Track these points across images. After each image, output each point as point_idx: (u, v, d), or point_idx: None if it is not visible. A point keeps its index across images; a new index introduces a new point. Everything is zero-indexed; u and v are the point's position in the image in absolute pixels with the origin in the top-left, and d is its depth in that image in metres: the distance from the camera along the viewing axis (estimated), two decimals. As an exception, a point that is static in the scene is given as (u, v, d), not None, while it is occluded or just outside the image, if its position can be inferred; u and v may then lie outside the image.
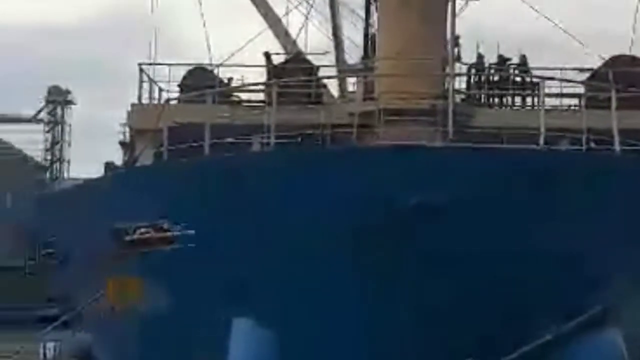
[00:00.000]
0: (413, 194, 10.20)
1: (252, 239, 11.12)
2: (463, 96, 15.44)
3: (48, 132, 66.55)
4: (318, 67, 16.42)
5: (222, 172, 11.30)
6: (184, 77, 16.27)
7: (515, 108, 15.68)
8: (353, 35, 19.06)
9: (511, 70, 16.19)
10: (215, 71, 16.46)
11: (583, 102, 14.72)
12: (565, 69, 15.01)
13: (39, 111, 67.37)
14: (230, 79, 16.65)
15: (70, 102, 66.98)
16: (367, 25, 17.07)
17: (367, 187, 10.45)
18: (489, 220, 10.43)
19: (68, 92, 66.87)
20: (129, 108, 15.93)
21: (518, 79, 16.06)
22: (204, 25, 18.08)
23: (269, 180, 10.89)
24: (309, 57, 16.94)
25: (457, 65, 15.18)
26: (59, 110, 66.72)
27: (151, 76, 16.11)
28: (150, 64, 16.14)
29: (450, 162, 10.57)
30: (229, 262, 11.35)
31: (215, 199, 11.26)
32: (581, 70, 15.50)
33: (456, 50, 15.12)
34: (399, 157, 10.52)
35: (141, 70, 15.92)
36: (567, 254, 10.69)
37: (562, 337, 10.74)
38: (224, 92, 15.37)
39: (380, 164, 10.49)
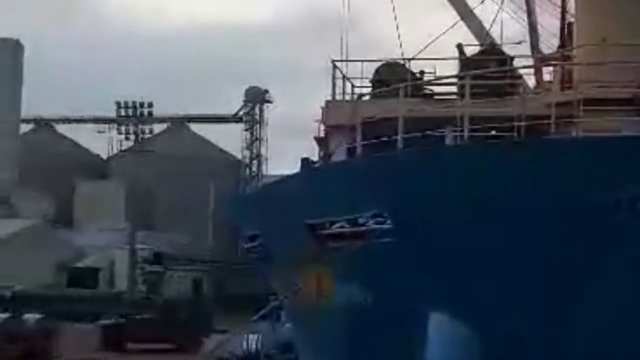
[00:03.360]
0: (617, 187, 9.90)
1: (459, 234, 11.03)
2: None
3: (247, 130, 69.13)
4: (512, 58, 16.05)
5: (426, 166, 11.29)
6: (376, 72, 16.35)
7: None
8: (549, 24, 18.49)
9: None
10: (407, 65, 16.45)
11: None
12: None
13: (239, 110, 70.11)
14: (422, 73, 16.58)
15: (267, 101, 69.27)
16: (564, 12, 16.50)
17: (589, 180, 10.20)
18: None
19: (266, 91, 69.17)
20: (323, 104, 16.21)
21: None
22: (396, 19, 18.08)
23: (480, 173, 10.81)
24: (503, 48, 16.59)
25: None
26: (257, 109, 69.14)
27: (344, 72, 16.32)
28: (343, 61, 16.34)
29: None
30: (432, 257, 11.32)
31: (419, 194, 11.25)
32: None
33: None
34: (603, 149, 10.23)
35: (334, 67, 16.15)
36: None
37: None
38: (416, 86, 15.33)
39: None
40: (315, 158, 17.50)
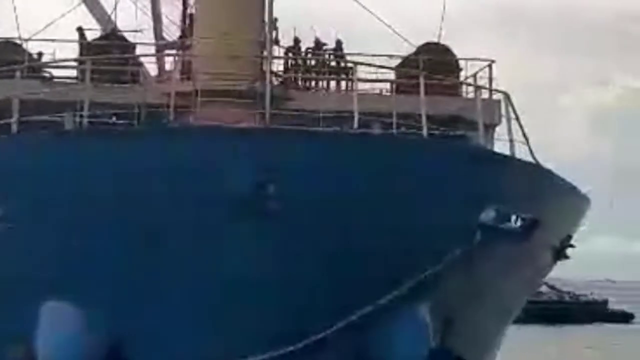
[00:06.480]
0: (231, 176, 10.32)
1: (56, 223, 10.87)
2: (280, 79, 15.57)
3: None
4: (134, 45, 16.10)
5: (31, 151, 10.97)
6: (-10, 51, 15.52)
7: (330, 92, 15.99)
8: (173, 14, 18.80)
9: (327, 55, 16.48)
10: (25, 45, 15.82)
11: (394, 88, 15.22)
12: (379, 55, 15.44)
13: None
14: (40, 54, 16.03)
15: None
16: (185, 3, 16.89)
17: (181, 171, 10.47)
18: (307, 199, 10.65)
19: None
20: None
21: (333, 63, 16.38)
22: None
23: (92, 161, 10.71)
24: (126, 35, 16.57)
25: (275, 48, 15.30)
26: None
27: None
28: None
29: (266, 143, 10.73)
30: (32, 245, 11.04)
31: (26, 180, 10.91)
32: (393, 56, 15.99)
33: (274, 33, 15.22)
34: (216, 139, 10.62)
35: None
36: (380, 231, 11.10)
37: (376, 311, 11.13)
38: (34, 67, 14.80)
39: (193, 145, 10.56)
40: None
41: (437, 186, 11.32)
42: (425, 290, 11.48)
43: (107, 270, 10.92)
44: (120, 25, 17.53)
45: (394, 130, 12.32)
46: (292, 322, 10.82)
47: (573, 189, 13.81)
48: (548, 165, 13.20)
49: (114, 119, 12.82)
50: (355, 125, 11.68)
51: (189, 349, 10.90)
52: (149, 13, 19.12)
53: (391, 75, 15.43)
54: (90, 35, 16.26)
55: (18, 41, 16.01)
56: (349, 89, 14.86)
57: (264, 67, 13.26)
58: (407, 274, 11.30)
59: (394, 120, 12.19)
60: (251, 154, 10.60)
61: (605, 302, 55.63)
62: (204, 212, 10.59)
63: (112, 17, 17.95)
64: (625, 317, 53.52)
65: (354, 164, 10.98)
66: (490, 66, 15.02)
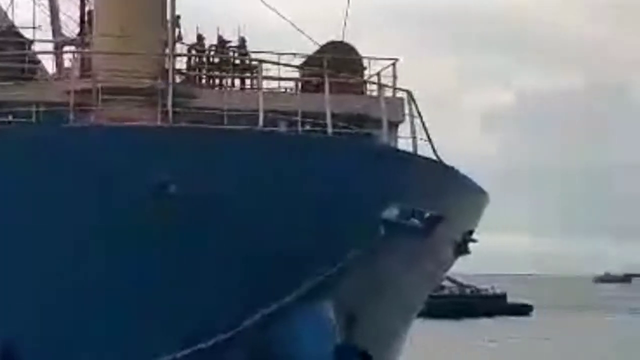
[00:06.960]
0: (135, 175, 10.16)
1: None
2: (183, 77, 15.38)
3: None
4: (32, 42, 15.67)
5: None
6: None
7: (235, 90, 15.88)
8: (71, 10, 18.35)
9: (231, 53, 16.34)
10: None
11: (299, 86, 15.21)
12: (283, 54, 15.40)
13: None
14: None
15: None
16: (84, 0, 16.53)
17: (87, 170, 10.27)
18: (210, 199, 10.56)
19: None
20: None
21: (238, 61, 16.25)
22: None
23: None
24: (22, 31, 16.10)
25: (178, 45, 15.10)
26: None
27: None
28: None
29: (169, 142, 10.60)
30: None
31: None
32: (297, 55, 15.97)
33: (177, 30, 15.02)
34: (117, 138, 10.45)
35: None
36: (285, 230, 11.08)
37: (282, 309, 11.11)
38: None
39: (100, 144, 10.36)
40: None
41: (341, 184, 11.36)
42: (329, 288, 11.52)
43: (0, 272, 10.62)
44: (16, 21, 17.03)
45: (299, 129, 12.32)
46: (196, 322, 10.72)
47: (473, 185, 14.08)
48: (449, 162, 13.43)
49: (10, 117, 12.46)
50: (260, 123, 11.63)
51: (91, 351, 10.68)
52: (47, 10, 18.65)
53: (296, 74, 15.43)
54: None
55: None
56: (254, 87, 14.80)
57: (167, 65, 13.07)
58: (310, 271, 11.32)
59: (299, 118, 12.19)
60: (152, 153, 10.44)
61: (505, 295, 57.02)
62: (106, 213, 10.39)
63: (9, 13, 17.42)
64: (523, 310, 54.99)
65: (258, 162, 10.94)
66: (394, 65, 15.13)
